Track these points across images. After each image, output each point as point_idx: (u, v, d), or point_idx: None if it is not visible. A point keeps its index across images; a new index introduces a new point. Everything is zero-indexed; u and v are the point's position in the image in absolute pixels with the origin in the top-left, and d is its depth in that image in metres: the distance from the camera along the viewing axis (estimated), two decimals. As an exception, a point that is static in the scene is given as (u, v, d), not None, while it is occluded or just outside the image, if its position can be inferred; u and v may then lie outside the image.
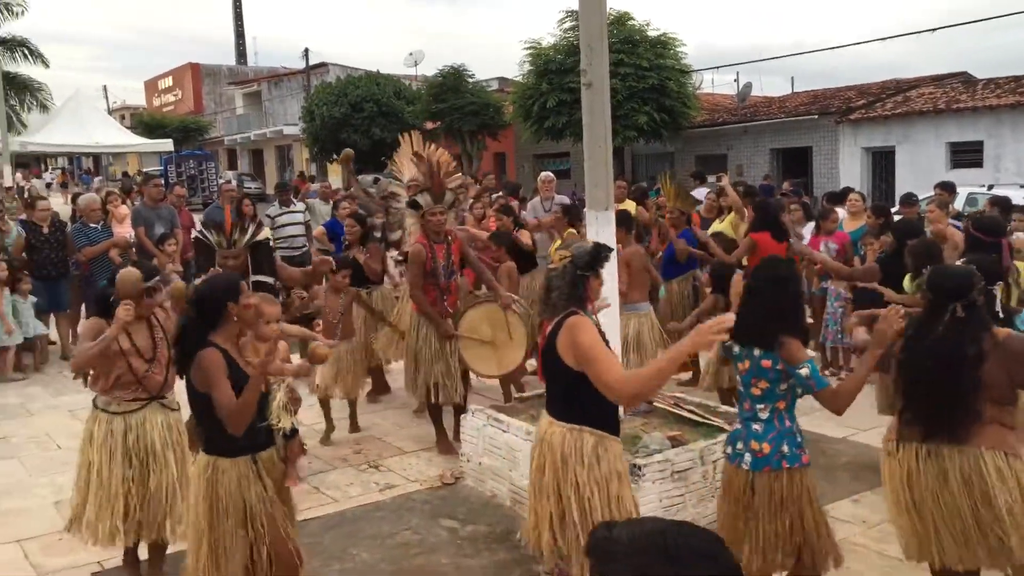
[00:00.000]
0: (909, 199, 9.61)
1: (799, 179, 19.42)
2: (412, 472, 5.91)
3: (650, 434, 4.97)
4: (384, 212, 7.31)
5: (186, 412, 4.00)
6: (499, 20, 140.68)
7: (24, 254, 9.14)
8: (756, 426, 3.49)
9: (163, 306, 4.26)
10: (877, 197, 18.46)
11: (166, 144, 29.40)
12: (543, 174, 10.54)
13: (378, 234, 7.54)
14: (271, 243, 6.02)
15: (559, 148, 24.65)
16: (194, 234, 5.75)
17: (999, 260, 5.09)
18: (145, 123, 43.14)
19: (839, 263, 7.27)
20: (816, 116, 21.30)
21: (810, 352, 3.49)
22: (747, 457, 3.48)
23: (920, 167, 18.25)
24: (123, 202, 10.85)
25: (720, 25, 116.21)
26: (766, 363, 3.45)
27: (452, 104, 25.45)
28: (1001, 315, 3.95)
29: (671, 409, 5.39)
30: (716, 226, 9.02)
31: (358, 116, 27.83)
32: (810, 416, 6.33)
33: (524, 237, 8.08)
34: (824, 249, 8.08)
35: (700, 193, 12.03)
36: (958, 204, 11.48)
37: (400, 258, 7.43)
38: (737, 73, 27.88)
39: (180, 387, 3.79)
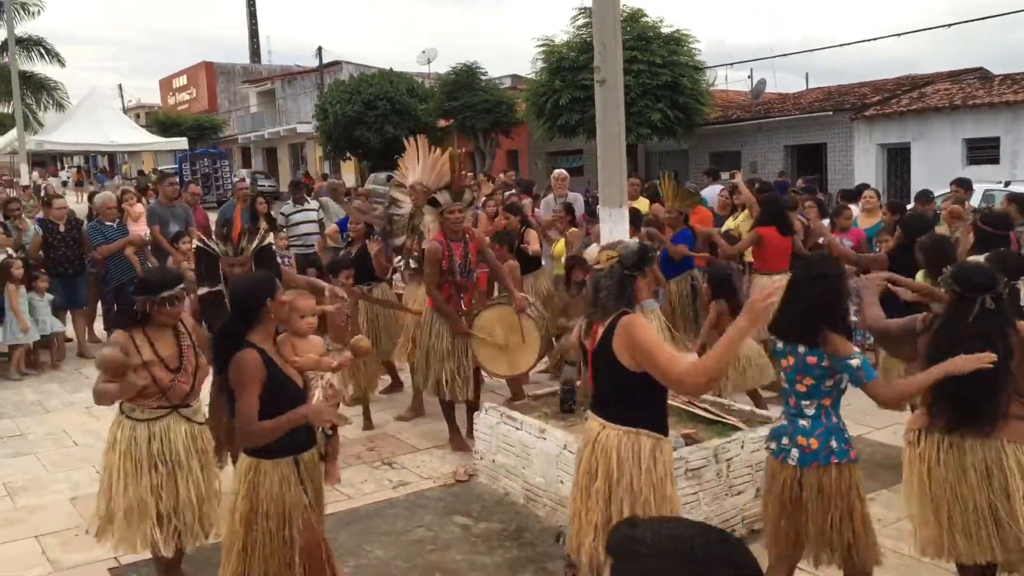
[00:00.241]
0: (925, 196, 9.55)
1: (813, 176, 19.31)
2: (425, 469, 5.92)
3: (664, 432, 4.95)
4: (387, 220, 7.25)
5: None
6: (512, 17, 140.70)
7: (41, 252, 9.22)
8: (803, 422, 3.48)
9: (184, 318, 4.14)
10: (892, 194, 18.34)
11: (181, 142, 29.57)
12: (556, 171, 10.54)
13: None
14: (275, 248, 5.89)
15: (572, 145, 24.59)
16: (195, 243, 5.51)
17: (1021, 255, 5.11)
18: (160, 122, 43.36)
19: (846, 248, 7.32)
20: (831, 112, 21.18)
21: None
22: (794, 452, 3.47)
23: (936, 164, 18.11)
24: (138, 200, 10.92)
25: (733, 22, 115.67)
26: (811, 359, 3.44)
27: (465, 102, 25.44)
28: None
29: (685, 407, 5.38)
30: (729, 223, 9.01)
31: (371, 114, 27.86)
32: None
33: (532, 237, 8.02)
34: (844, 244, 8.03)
35: (713, 190, 11.99)
36: (974, 201, 11.38)
37: (401, 263, 7.45)
38: (751, 70, 27.83)
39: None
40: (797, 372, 3.48)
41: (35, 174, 30.57)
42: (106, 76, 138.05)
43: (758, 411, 5.34)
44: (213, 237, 5.25)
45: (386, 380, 7.72)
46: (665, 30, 20.84)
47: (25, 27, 24.36)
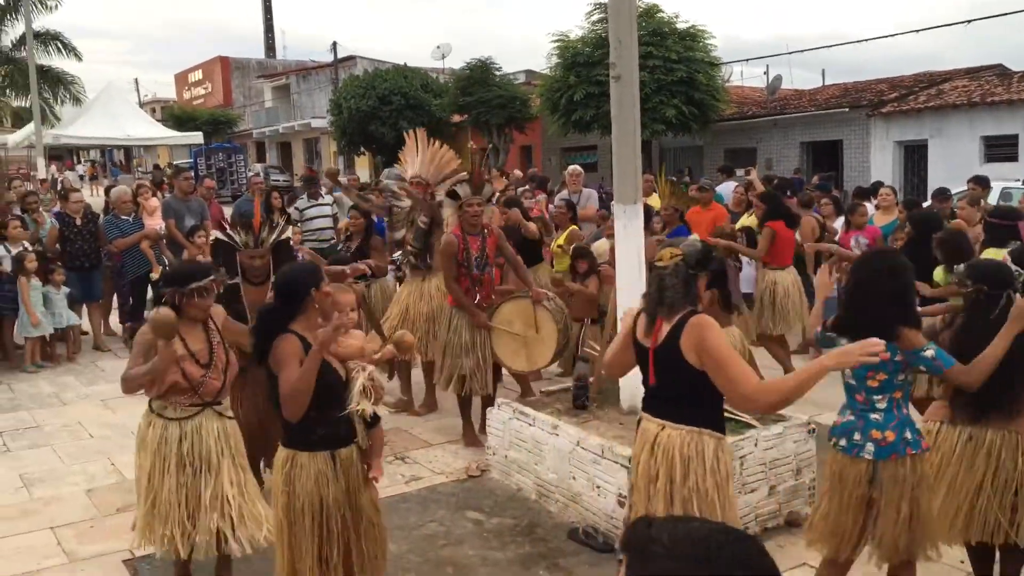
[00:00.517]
0: (942, 193, 9.47)
1: (829, 173, 19.20)
2: (438, 464, 5.93)
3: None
4: (387, 211, 7.23)
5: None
6: (527, 13, 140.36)
7: (57, 245, 9.28)
8: (875, 416, 3.51)
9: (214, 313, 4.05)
10: (909, 191, 18.22)
11: (196, 137, 29.69)
12: (571, 167, 10.51)
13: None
14: (292, 241, 5.85)
15: (586, 141, 24.53)
16: (212, 236, 5.51)
17: None
18: (175, 116, 43.58)
19: (851, 251, 7.41)
20: (847, 109, 21.04)
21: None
22: (869, 447, 3.48)
23: (953, 161, 17.96)
24: (153, 195, 10.98)
25: (749, 17, 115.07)
26: (884, 355, 3.42)
27: (479, 97, 25.43)
28: None
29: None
30: (744, 220, 8.95)
31: (385, 109, 27.91)
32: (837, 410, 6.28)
33: (531, 229, 8.00)
34: (855, 244, 7.99)
35: (728, 187, 11.93)
36: (992, 199, 11.28)
37: (401, 258, 7.44)
38: (767, 66, 27.55)
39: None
40: (868, 368, 3.47)
41: (53, 168, 30.79)
42: (122, 70, 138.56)
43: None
44: (231, 228, 5.17)
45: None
46: (681, 26, 20.75)
47: (43, 21, 24.57)
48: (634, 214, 5.26)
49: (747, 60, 34.35)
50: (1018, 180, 13.71)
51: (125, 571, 4.50)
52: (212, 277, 3.98)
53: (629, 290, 5.23)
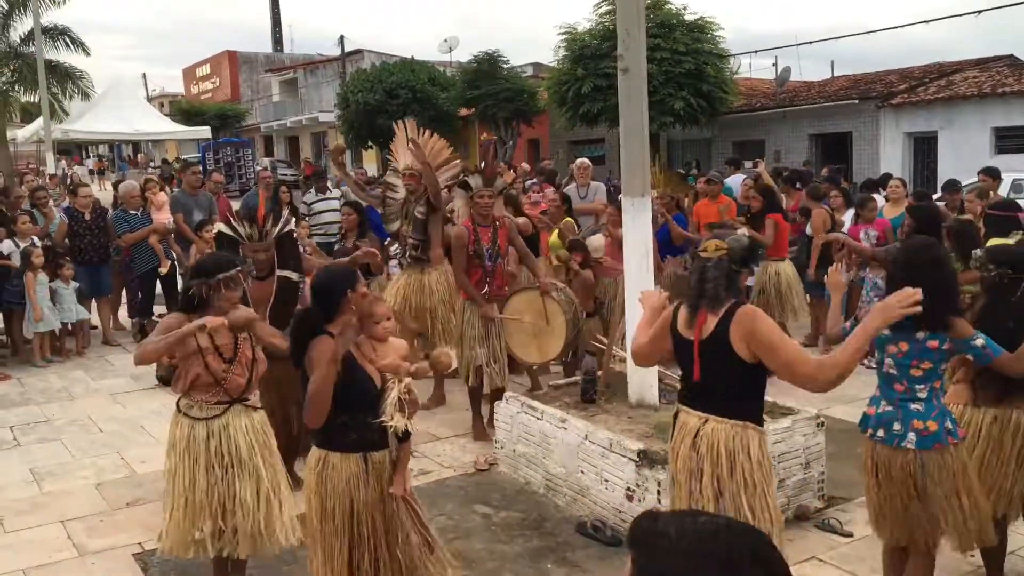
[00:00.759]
0: (952, 185, 9.42)
1: (839, 165, 19.11)
2: (446, 458, 5.93)
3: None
4: (382, 204, 7.17)
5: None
6: (534, 5, 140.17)
7: (66, 240, 9.31)
8: (915, 406, 3.52)
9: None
10: (919, 183, 18.11)
11: (204, 131, 29.71)
12: (579, 161, 10.48)
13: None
14: (296, 235, 5.74)
15: (594, 134, 24.47)
16: (216, 229, 5.38)
17: None
18: (183, 110, 43.64)
19: (863, 245, 7.52)
20: (856, 101, 20.92)
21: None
22: (911, 436, 3.50)
23: (964, 153, 17.85)
24: (161, 189, 10.99)
25: (757, 8, 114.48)
26: (932, 344, 3.51)
27: (487, 90, 25.37)
28: None
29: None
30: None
31: (393, 103, 27.85)
32: (850, 405, 6.26)
33: (523, 224, 7.98)
34: (864, 237, 7.96)
35: (737, 179, 11.89)
36: (1003, 190, 11.22)
37: (397, 251, 7.40)
38: (776, 57, 27.40)
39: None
40: (913, 357, 3.53)
41: (63, 163, 30.89)
42: (130, 65, 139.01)
43: (779, 403, 5.29)
44: (235, 221, 5.09)
45: None
46: (689, 17, 20.66)
47: (51, 17, 24.53)
48: (642, 207, 5.24)
49: (755, 52, 34.11)
50: (1029, 171, 13.62)
51: (135, 564, 4.52)
52: (239, 267, 3.91)
53: (637, 282, 5.22)
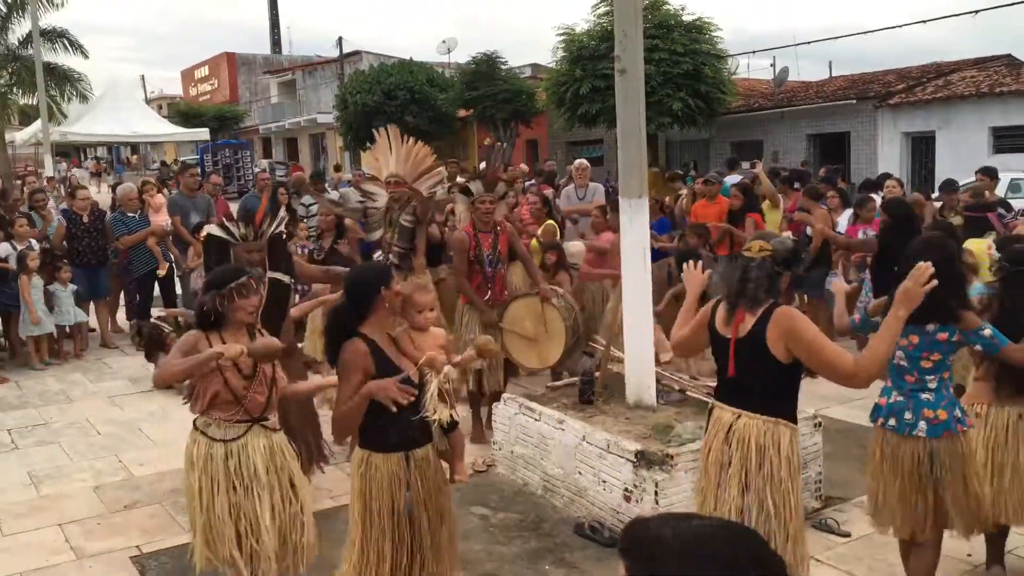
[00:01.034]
0: (949, 185, 9.42)
1: (837, 165, 19.11)
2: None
3: (683, 423, 4.93)
4: (363, 215, 6.97)
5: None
6: (533, 6, 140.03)
7: (64, 243, 9.30)
8: (926, 395, 3.63)
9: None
10: (917, 183, 18.13)
11: (202, 133, 29.70)
12: (577, 162, 10.49)
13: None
14: (285, 237, 5.62)
15: (592, 135, 24.47)
16: (205, 231, 5.17)
17: None
18: (182, 112, 43.64)
19: (840, 236, 7.88)
20: (854, 101, 20.93)
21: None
22: (922, 425, 3.61)
23: (962, 152, 17.86)
24: (159, 191, 10.99)
25: (755, 9, 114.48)
26: (942, 336, 3.63)
27: (485, 91, 25.37)
28: None
29: (704, 399, 5.35)
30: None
31: (391, 104, 27.86)
32: (847, 405, 6.27)
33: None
34: (863, 237, 7.96)
35: (733, 180, 11.88)
36: (1000, 190, 11.23)
37: (381, 258, 7.35)
38: (774, 58, 27.28)
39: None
40: (923, 349, 3.65)
41: (63, 165, 30.86)
42: (129, 67, 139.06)
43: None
44: (229, 222, 4.96)
45: None
46: (687, 18, 20.66)
47: (49, 19, 24.56)
48: (640, 208, 5.24)
49: (753, 52, 34.11)
50: (1027, 171, 13.63)
51: (132, 568, 4.52)
52: (249, 274, 3.83)
53: (635, 284, 5.23)
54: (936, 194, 9.76)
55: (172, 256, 9.56)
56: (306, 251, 8.70)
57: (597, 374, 5.64)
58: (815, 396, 4.99)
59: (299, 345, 6.27)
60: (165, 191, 12.87)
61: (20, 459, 6.20)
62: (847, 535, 4.65)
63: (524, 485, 5.39)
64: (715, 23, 20.90)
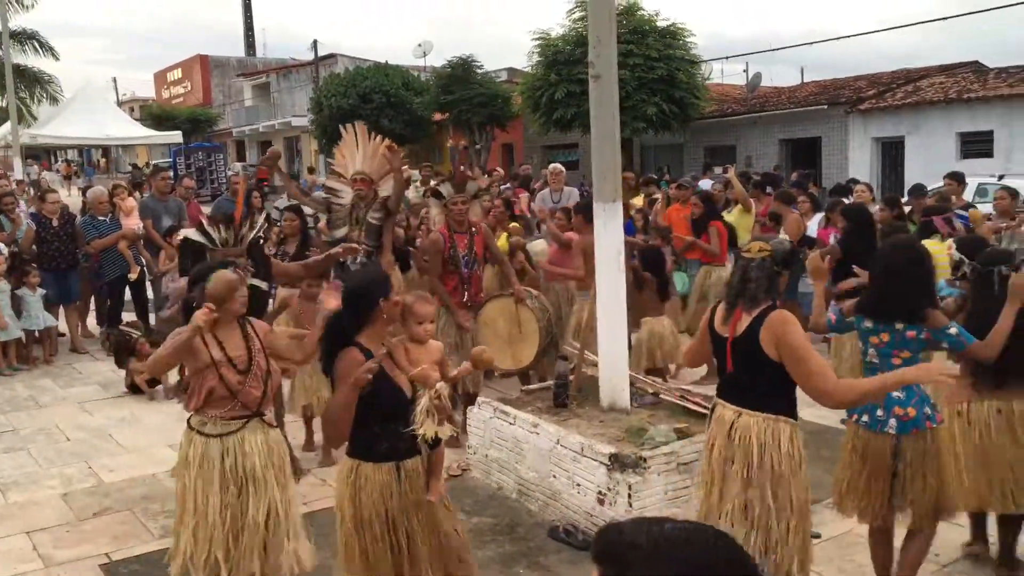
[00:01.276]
0: (918, 190, 9.55)
1: (808, 170, 19.31)
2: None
3: (656, 426, 4.96)
4: (326, 209, 6.93)
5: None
6: (509, 11, 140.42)
7: (34, 247, 9.18)
8: (897, 393, 3.69)
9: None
10: (887, 188, 18.36)
11: (175, 136, 29.45)
12: (552, 166, 10.52)
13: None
14: (270, 241, 5.59)
15: (568, 139, 24.57)
16: (182, 235, 5.09)
17: None
18: (154, 115, 43.24)
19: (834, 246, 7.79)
20: (826, 106, 21.18)
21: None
22: (892, 422, 3.70)
23: (930, 157, 18.14)
24: (130, 195, 10.88)
25: (729, 15, 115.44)
26: (911, 334, 3.74)
27: (461, 95, 25.38)
28: None
29: (677, 401, 5.39)
30: (727, 217, 8.99)
31: (367, 107, 27.78)
32: (816, 407, 6.31)
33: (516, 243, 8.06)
34: (833, 242, 8.05)
35: (706, 184, 11.98)
36: (968, 194, 11.39)
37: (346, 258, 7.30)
38: (747, 63, 27.74)
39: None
40: (894, 347, 3.76)
41: (34, 168, 30.44)
42: (102, 69, 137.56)
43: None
44: (209, 225, 4.83)
45: None
46: (661, 23, 20.82)
47: (19, 21, 24.23)
48: (614, 212, 5.26)
49: (727, 58, 34.42)
50: (993, 176, 13.86)
51: (102, 575, 4.46)
52: (235, 264, 3.82)
53: (608, 286, 5.25)
54: (905, 199, 9.88)
55: (143, 260, 9.47)
56: (275, 255, 8.63)
57: (571, 377, 5.66)
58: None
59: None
60: (137, 194, 12.75)
61: (-13, 466, 6.10)
62: (818, 536, 4.67)
63: (498, 489, 5.39)
64: (689, 29, 21.13)
